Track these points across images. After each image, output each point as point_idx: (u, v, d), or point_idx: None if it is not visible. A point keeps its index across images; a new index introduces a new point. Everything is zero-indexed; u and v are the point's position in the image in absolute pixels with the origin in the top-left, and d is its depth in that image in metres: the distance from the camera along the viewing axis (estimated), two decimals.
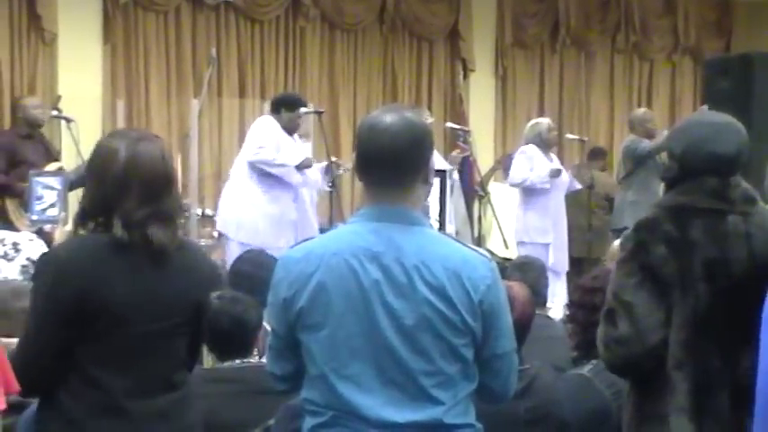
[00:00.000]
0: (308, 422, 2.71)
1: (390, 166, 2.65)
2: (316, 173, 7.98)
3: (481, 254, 2.72)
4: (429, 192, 2.80)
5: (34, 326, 2.86)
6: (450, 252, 2.65)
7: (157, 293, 2.87)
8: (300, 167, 7.68)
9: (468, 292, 2.60)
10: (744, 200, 3.13)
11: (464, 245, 2.74)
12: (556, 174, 8.79)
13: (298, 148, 7.82)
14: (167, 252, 2.85)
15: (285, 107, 7.81)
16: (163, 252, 2.84)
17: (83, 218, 2.91)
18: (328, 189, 8.08)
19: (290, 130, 7.78)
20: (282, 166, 7.64)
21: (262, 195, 7.68)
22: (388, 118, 2.67)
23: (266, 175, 7.67)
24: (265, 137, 7.68)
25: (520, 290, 3.59)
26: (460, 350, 2.63)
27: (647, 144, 9.05)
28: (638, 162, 9.11)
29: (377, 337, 2.60)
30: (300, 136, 8.04)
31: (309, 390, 2.71)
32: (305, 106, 8.00)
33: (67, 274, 2.82)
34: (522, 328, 3.49)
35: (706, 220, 3.08)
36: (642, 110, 10.25)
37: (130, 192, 2.82)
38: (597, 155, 10.77)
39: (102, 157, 2.91)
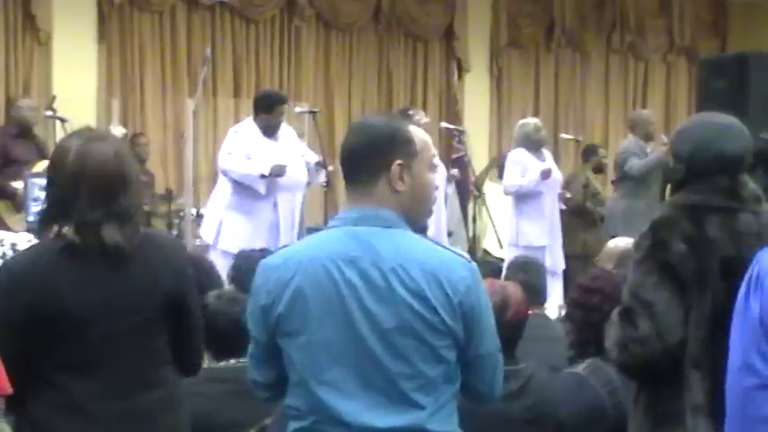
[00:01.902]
0: (291, 426, 2.70)
1: (347, 165, 2.70)
2: (300, 173, 7.72)
3: (460, 255, 2.70)
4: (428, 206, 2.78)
5: None
6: (429, 254, 2.63)
7: (116, 293, 2.84)
8: (271, 175, 7.39)
9: (447, 293, 2.59)
10: (754, 198, 3.14)
11: (443, 247, 2.73)
12: (547, 174, 8.77)
13: (277, 152, 7.54)
14: (123, 252, 2.82)
15: (261, 110, 7.57)
16: (118, 252, 2.81)
17: (45, 222, 2.89)
18: (324, 185, 8.03)
19: (271, 130, 7.56)
20: (246, 176, 7.42)
21: (237, 200, 7.53)
22: (360, 122, 2.78)
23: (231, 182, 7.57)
24: (234, 144, 7.49)
25: (514, 290, 3.59)
26: (442, 352, 2.61)
27: (635, 163, 8.92)
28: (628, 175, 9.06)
29: (356, 341, 2.59)
30: (299, 136, 7.97)
31: (291, 396, 2.70)
32: (283, 103, 7.74)
33: (18, 284, 2.80)
34: (516, 327, 3.49)
35: (721, 218, 3.08)
36: (646, 111, 10.16)
37: (80, 193, 2.79)
38: (590, 153, 10.70)
39: (56, 157, 2.89)
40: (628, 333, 3.08)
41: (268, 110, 7.55)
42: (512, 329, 3.44)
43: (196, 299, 3.07)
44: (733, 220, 3.09)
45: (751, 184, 3.15)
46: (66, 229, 2.79)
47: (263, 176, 7.39)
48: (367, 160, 2.66)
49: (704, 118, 3.42)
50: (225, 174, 7.55)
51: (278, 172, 7.41)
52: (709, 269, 3.03)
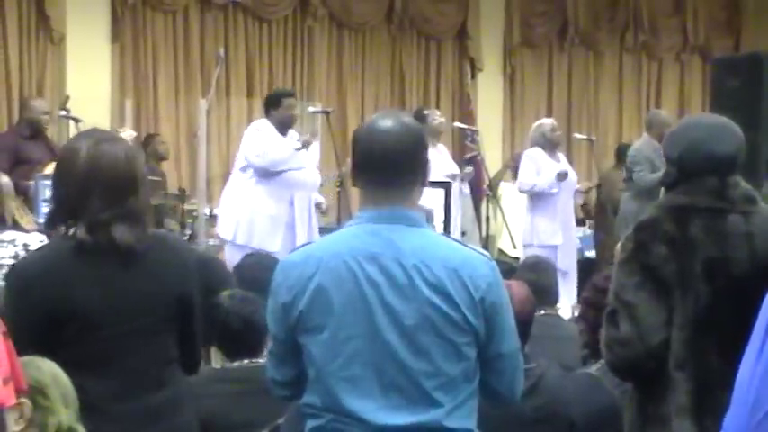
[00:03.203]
0: (308, 425, 2.72)
1: (392, 168, 2.68)
2: (314, 174, 7.84)
3: (481, 253, 2.73)
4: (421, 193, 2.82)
5: None
6: (450, 252, 2.65)
7: (128, 293, 2.86)
8: (303, 147, 7.53)
9: (469, 290, 2.61)
10: (744, 199, 3.12)
11: (464, 245, 2.75)
12: (563, 177, 8.79)
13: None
14: (134, 252, 2.83)
15: (271, 107, 7.69)
16: (130, 252, 2.83)
17: (52, 222, 2.90)
18: (337, 186, 8.09)
19: (285, 126, 7.65)
20: (281, 160, 7.49)
21: (258, 198, 7.58)
22: (387, 122, 2.72)
23: (263, 178, 7.59)
24: (260, 142, 7.53)
25: (518, 288, 3.60)
26: (463, 349, 2.62)
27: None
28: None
29: (377, 338, 2.60)
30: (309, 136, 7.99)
31: (308, 394, 2.70)
32: (290, 96, 7.86)
33: (30, 285, 2.82)
34: (522, 325, 3.48)
35: (706, 219, 3.07)
36: (664, 112, 10.04)
37: (92, 193, 2.81)
38: (624, 153, 10.47)
39: (65, 158, 2.92)
40: (611, 334, 3.10)
41: (276, 105, 7.67)
42: (517, 328, 3.44)
43: (199, 300, 3.07)
44: (719, 220, 3.08)
45: (744, 185, 3.14)
46: (78, 230, 2.80)
47: (297, 150, 7.50)
48: (413, 162, 2.69)
49: (694, 119, 3.43)
50: (264, 170, 7.53)
51: (308, 141, 7.56)
52: (690, 271, 3.03)
